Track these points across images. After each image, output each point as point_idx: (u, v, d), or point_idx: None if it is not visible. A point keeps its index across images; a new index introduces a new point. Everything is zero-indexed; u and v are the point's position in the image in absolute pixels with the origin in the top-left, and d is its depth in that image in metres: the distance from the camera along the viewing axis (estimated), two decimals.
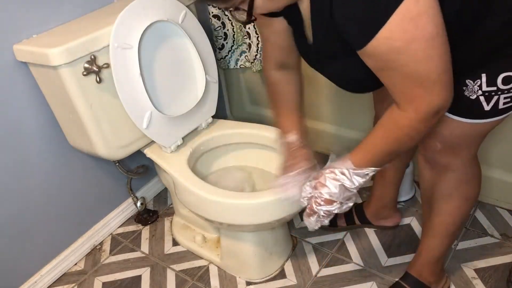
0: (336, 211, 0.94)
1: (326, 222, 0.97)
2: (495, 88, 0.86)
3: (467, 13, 0.79)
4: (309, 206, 0.96)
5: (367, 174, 0.90)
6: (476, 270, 1.32)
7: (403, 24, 0.69)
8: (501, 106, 0.88)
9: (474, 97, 0.88)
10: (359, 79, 0.92)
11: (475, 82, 0.87)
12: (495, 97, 0.87)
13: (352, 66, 0.84)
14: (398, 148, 0.88)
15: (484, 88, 0.86)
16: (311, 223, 0.98)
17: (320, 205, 0.93)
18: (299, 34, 0.94)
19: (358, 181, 0.91)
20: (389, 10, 0.69)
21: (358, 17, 0.72)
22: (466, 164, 1.03)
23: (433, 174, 1.06)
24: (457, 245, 1.40)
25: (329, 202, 0.92)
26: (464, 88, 0.88)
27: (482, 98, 0.88)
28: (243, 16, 0.79)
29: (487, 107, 0.89)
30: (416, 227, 1.49)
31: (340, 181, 0.90)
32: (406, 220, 1.52)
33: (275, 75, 1.10)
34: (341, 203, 0.93)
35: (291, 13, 0.88)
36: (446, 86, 0.77)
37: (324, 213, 0.94)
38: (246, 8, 0.77)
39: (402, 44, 0.71)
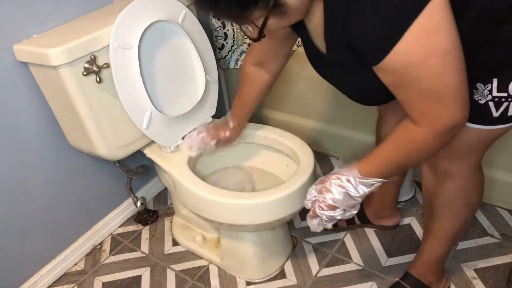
0: (338, 217, 0.93)
1: (329, 226, 0.96)
2: (505, 94, 0.84)
3: (485, 22, 0.78)
4: (312, 209, 0.96)
5: (373, 184, 0.89)
6: (476, 270, 1.32)
7: (419, 39, 0.69)
8: (510, 113, 0.87)
9: (483, 101, 0.87)
10: (372, 93, 0.91)
11: (486, 86, 0.85)
12: (505, 104, 0.86)
13: (366, 80, 0.84)
14: (408, 162, 0.87)
15: (495, 93, 0.85)
16: (313, 225, 0.97)
17: (323, 209, 0.92)
18: (308, 44, 0.94)
19: (363, 190, 0.89)
20: (404, 26, 0.68)
21: (373, 33, 0.72)
22: (468, 172, 1.02)
23: (435, 180, 1.06)
24: (457, 245, 1.40)
25: (332, 208, 0.91)
26: (474, 91, 0.87)
27: (491, 104, 0.86)
28: (255, 33, 0.79)
29: (495, 114, 0.87)
30: (416, 227, 1.49)
31: (345, 188, 0.89)
32: (406, 220, 1.52)
33: (250, 68, 1.21)
34: (344, 210, 0.92)
35: (296, 24, 0.87)
36: (462, 103, 0.76)
37: (327, 218, 0.93)
38: (259, 26, 0.76)
39: (419, 59, 0.71)
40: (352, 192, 0.89)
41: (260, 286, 1.37)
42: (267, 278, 1.38)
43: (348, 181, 0.89)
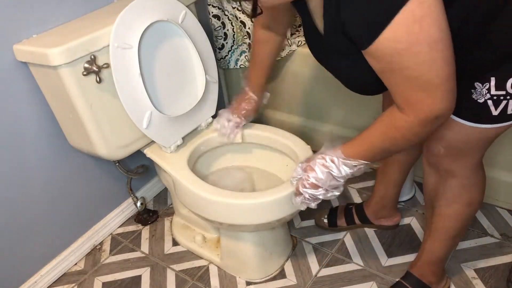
0: (321, 197, 0.97)
1: (313, 205, 1.01)
2: (504, 92, 0.85)
3: (479, 14, 0.78)
4: (296, 186, 1.00)
5: (356, 166, 0.92)
6: (476, 270, 1.32)
7: (407, 26, 0.69)
8: (509, 111, 0.87)
9: (482, 100, 0.87)
10: (365, 80, 0.92)
11: (484, 85, 0.85)
12: (504, 102, 0.86)
13: (359, 65, 0.84)
14: (392, 147, 0.89)
15: (493, 91, 0.85)
16: (297, 202, 1.02)
17: (305, 187, 0.96)
18: (308, 25, 0.94)
19: (346, 171, 0.92)
20: (392, 11, 0.68)
21: (362, 18, 0.72)
22: (470, 170, 1.02)
23: (437, 178, 1.06)
24: (457, 245, 1.40)
25: (315, 186, 0.95)
26: (472, 90, 0.87)
27: (490, 102, 0.86)
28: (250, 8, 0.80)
29: (495, 112, 0.87)
30: (416, 227, 1.49)
31: (328, 168, 0.93)
32: (406, 220, 1.52)
33: (259, 32, 1.21)
34: (326, 190, 0.96)
35: (298, 3, 0.89)
36: (449, 93, 0.77)
37: (310, 197, 0.97)
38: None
39: (405, 46, 0.71)
40: (335, 172, 0.92)
41: (260, 286, 1.37)
42: (267, 278, 1.38)
43: (332, 161, 0.92)
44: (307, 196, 0.98)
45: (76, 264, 1.54)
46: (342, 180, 0.94)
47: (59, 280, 1.49)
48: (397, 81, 0.77)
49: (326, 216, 1.52)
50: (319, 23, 0.89)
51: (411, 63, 0.73)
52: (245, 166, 1.47)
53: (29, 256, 1.40)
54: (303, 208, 1.03)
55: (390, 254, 1.41)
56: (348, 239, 1.48)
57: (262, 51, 1.25)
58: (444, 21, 0.71)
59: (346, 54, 0.87)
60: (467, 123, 0.91)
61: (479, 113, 0.89)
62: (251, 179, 1.41)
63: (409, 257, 1.37)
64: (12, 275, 1.37)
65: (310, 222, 1.56)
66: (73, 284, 1.48)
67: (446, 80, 0.75)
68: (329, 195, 0.97)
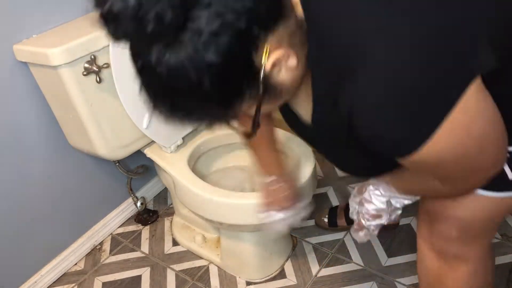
0: (385, 223, 0.90)
1: (376, 233, 0.94)
2: None
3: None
4: (357, 222, 0.93)
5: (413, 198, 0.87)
6: None
7: (453, 137, 0.60)
8: None
9: None
10: (364, 169, 0.85)
11: None
12: None
13: (358, 156, 0.76)
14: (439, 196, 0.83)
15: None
16: (361, 237, 0.94)
17: (368, 220, 0.90)
18: (286, 110, 0.84)
19: (404, 202, 0.88)
20: (434, 123, 0.59)
21: (391, 132, 0.61)
22: (483, 254, 0.87)
23: (441, 264, 0.89)
24: None
25: (377, 216, 0.89)
26: None
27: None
28: (245, 127, 0.70)
29: (511, 175, 0.74)
30: (416, 227, 1.49)
31: (386, 197, 0.87)
32: (406, 220, 1.52)
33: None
34: (389, 214, 0.89)
35: None
36: (500, 156, 0.69)
37: (374, 227, 0.91)
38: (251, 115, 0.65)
39: (453, 158, 0.63)
40: (393, 202, 0.88)
41: (260, 286, 1.37)
42: (267, 278, 1.38)
43: (389, 190, 0.87)
44: (372, 228, 0.91)
45: (76, 264, 1.54)
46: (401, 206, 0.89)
47: (59, 280, 1.49)
48: (438, 176, 0.71)
49: (326, 216, 1.52)
50: (304, 112, 0.79)
51: (459, 166, 0.66)
52: (245, 166, 1.47)
53: (29, 256, 1.40)
54: (366, 240, 0.95)
55: (390, 254, 1.41)
56: (348, 239, 1.48)
57: (263, 141, 1.05)
58: (492, 111, 0.63)
59: (340, 145, 0.77)
60: (483, 193, 0.77)
61: (492, 179, 0.73)
62: (251, 179, 1.41)
63: (409, 257, 1.37)
64: (12, 275, 1.37)
65: (310, 222, 1.56)
66: (73, 284, 1.48)
67: (498, 153, 0.68)
68: (393, 217, 0.90)
